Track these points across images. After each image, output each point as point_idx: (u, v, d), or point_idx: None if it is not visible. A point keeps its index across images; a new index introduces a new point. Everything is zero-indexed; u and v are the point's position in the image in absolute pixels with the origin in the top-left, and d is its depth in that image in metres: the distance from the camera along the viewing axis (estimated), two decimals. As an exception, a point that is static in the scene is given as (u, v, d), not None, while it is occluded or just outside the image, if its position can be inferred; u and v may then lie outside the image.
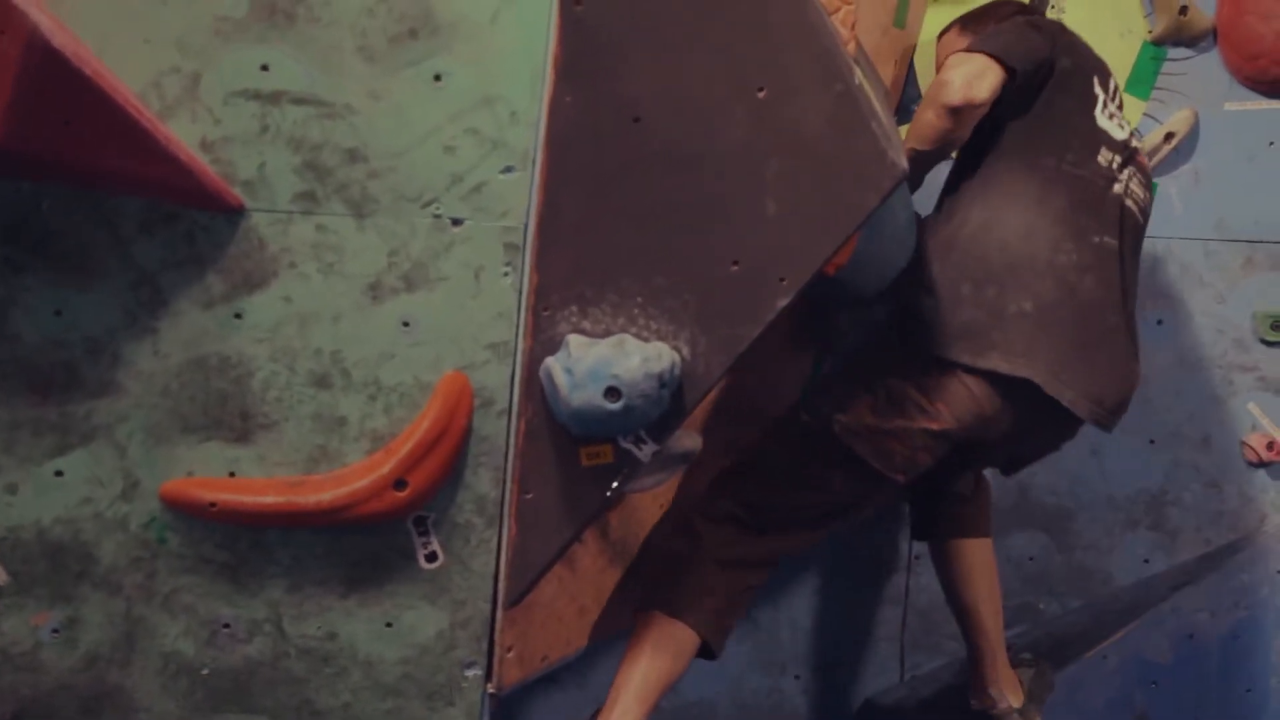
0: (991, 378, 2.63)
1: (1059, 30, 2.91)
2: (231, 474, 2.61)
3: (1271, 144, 3.50)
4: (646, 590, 2.82)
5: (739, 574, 2.79)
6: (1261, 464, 3.60)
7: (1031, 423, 2.73)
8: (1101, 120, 2.80)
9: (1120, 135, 2.84)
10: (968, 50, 2.72)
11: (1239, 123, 3.51)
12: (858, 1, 2.49)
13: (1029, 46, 2.73)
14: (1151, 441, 3.56)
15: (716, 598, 2.75)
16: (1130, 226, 2.81)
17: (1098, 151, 2.77)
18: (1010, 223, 2.71)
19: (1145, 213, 2.90)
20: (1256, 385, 3.59)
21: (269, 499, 2.57)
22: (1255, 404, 3.60)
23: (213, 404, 2.59)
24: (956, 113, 2.64)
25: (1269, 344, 3.57)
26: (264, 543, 2.62)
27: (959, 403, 2.66)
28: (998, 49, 2.69)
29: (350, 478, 2.58)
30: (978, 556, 3.17)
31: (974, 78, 2.64)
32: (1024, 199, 2.73)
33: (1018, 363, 2.62)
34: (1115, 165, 2.79)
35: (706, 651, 2.76)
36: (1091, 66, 2.86)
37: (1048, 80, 2.77)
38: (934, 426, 2.66)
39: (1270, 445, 3.56)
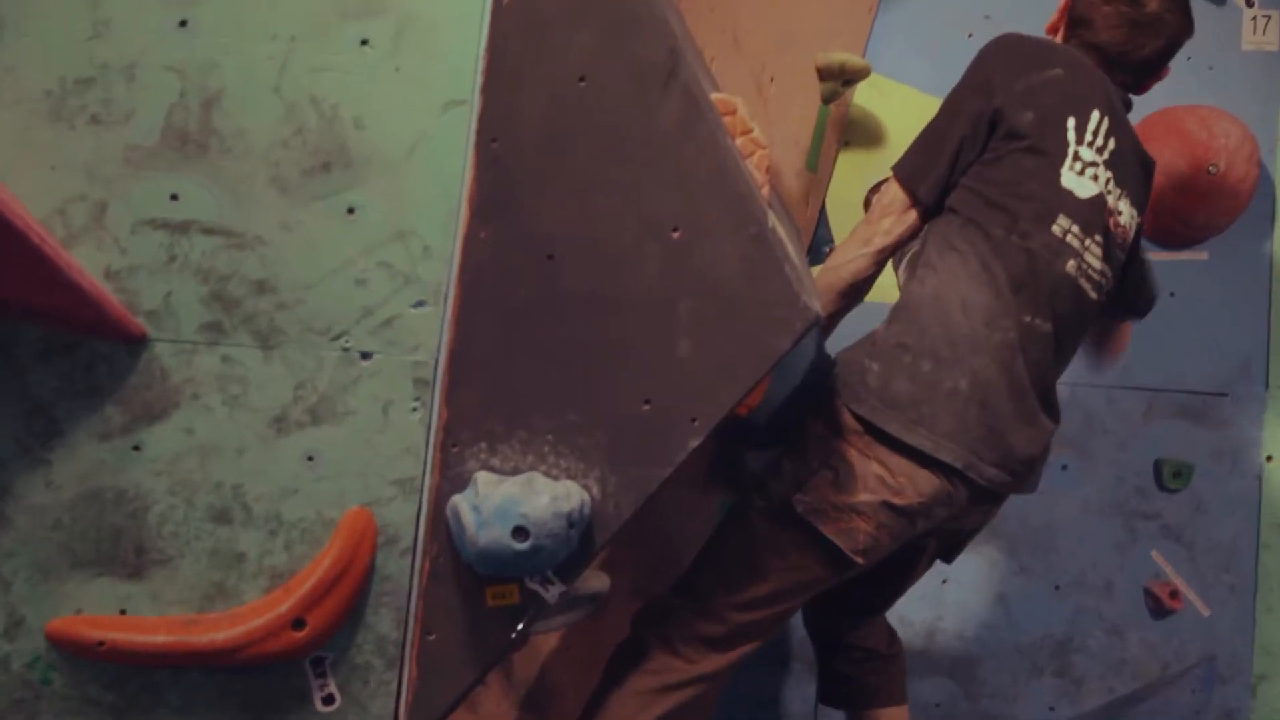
0: (919, 455, 2.55)
1: (1027, 68, 2.69)
2: (122, 612, 2.53)
3: (1172, 294, 3.58)
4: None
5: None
6: (1164, 612, 3.61)
7: (965, 500, 2.63)
8: (1068, 179, 2.62)
9: (1089, 191, 2.63)
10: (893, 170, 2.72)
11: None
12: (772, 145, 2.52)
13: (947, 142, 2.67)
14: (1056, 588, 3.57)
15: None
16: (1076, 303, 2.66)
17: (1054, 219, 2.60)
18: (955, 295, 2.60)
19: (1106, 280, 2.71)
20: (1159, 533, 3.62)
21: (161, 638, 2.49)
22: (1158, 551, 3.63)
23: (106, 539, 2.51)
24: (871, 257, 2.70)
25: (1170, 491, 3.61)
26: (154, 684, 2.53)
27: (922, 478, 2.55)
28: (905, 172, 2.69)
29: (247, 616, 2.50)
30: None
31: (878, 220, 2.71)
32: (971, 269, 2.60)
33: (942, 444, 2.54)
34: (1072, 234, 2.61)
35: None
36: (1073, 101, 2.66)
37: (997, 132, 2.65)
38: (898, 501, 2.54)
39: (1173, 593, 3.59)
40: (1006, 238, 2.59)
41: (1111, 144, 2.67)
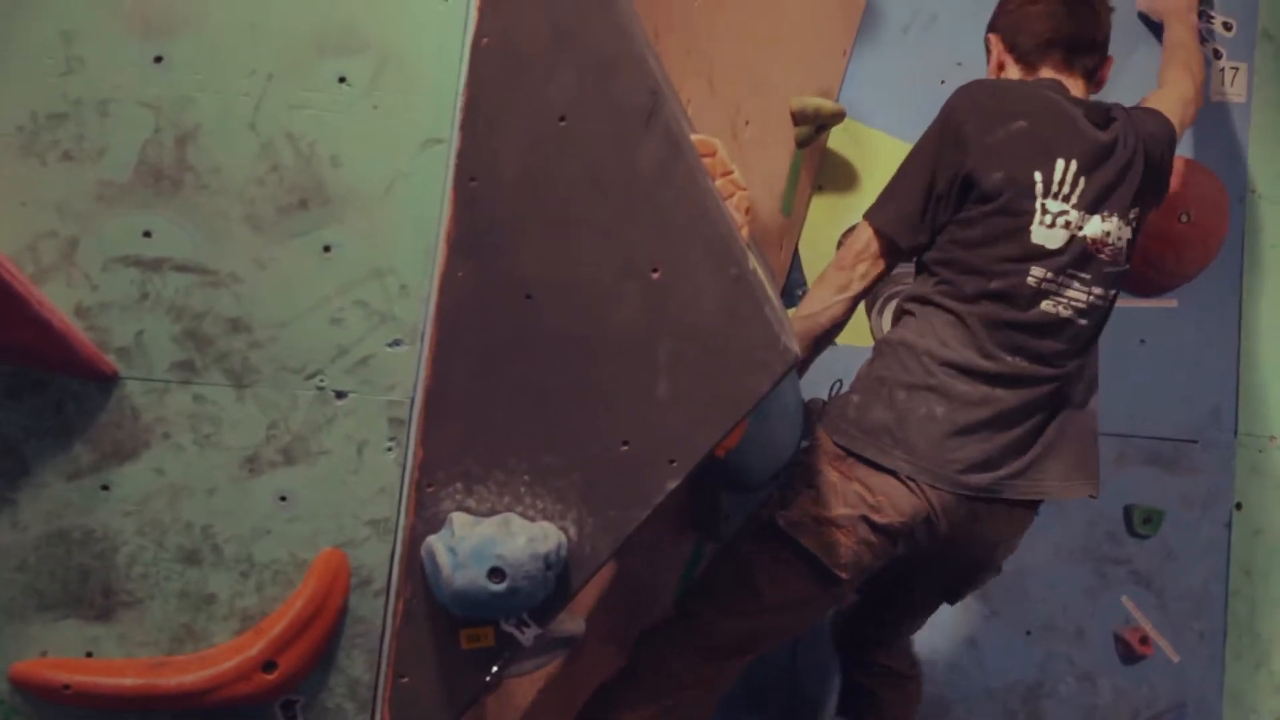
0: (896, 475, 2.63)
1: (995, 122, 2.75)
2: (89, 654, 2.49)
3: (1143, 342, 3.60)
4: None
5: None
6: (1134, 658, 3.61)
7: (953, 529, 2.70)
8: (1037, 235, 2.69)
9: (1059, 241, 2.70)
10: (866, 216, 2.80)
11: (1113, 320, 3.59)
12: (748, 188, 2.52)
13: (917, 187, 2.75)
14: (1028, 633, 3.56)
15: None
16: (1062, 336, 2.74)
17: (1027, 272, 2.69)
18: (934, 336, 2.70)
19: (1093, 308, 2.78)
20: (1129, 579, 3.62)
21: (128, 681, 2.46)
22: (1128, 597, 3.63)
23: (73, 580, 2.48)
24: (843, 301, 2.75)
25: (1141, 537, 3.62)
26: (121, 728, 2.50)
27: (900, 497, 2.63)
28: (878, 219, 2.77)
29: (217, 659, 2.48)
30: None
31: (853, 265, 2.79)
32: (948, 318, 2.71)
33: (919, 464, 2.62)
34: (1046, 280, 2.70)
35: None
36: (1039, 153, 2.72)
37: (971, 195, 2.72)
38: (877, 518, 2.62)
39: (1143, 639, 3.59)
40: (980, 294, 2.70)
41: (1082, 183, 2.73)
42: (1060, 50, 2.86)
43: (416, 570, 2.35)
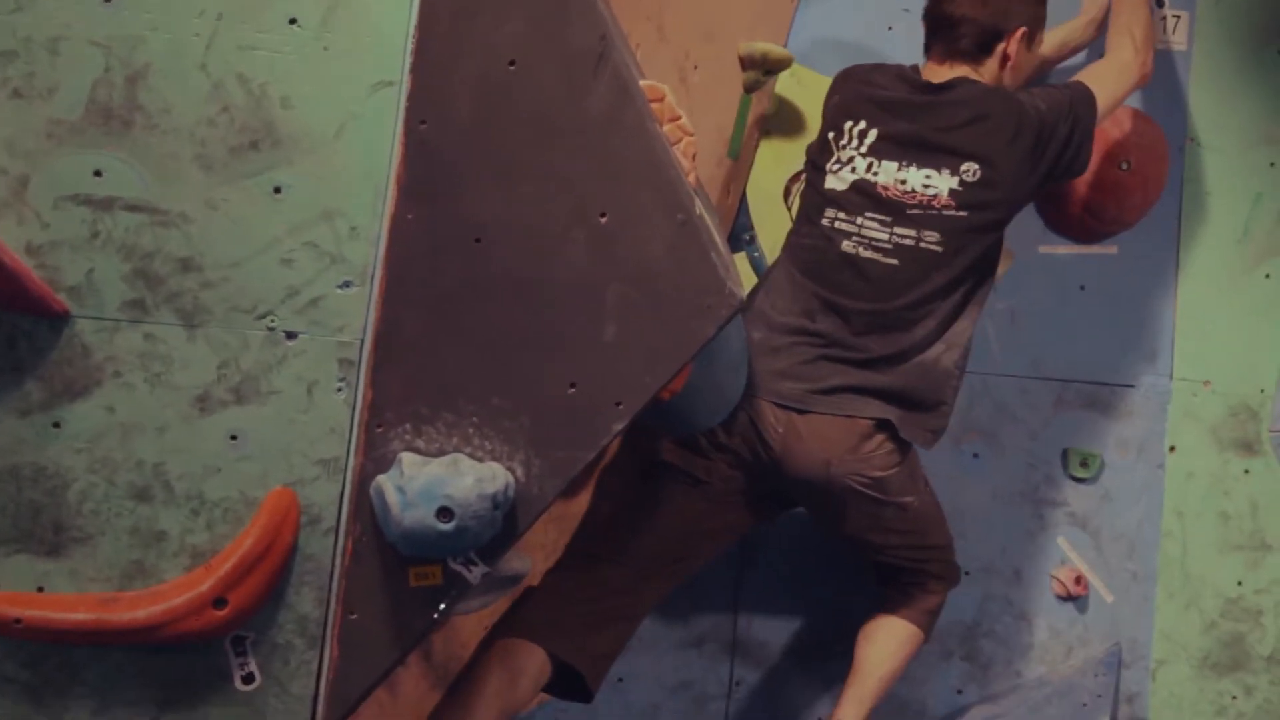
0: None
1: (828, 101, 3.28)
2: (40, 589, 2.50)
3: (1083, 288, 3.66)
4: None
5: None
6: (1069, 598, 3.69)
7: (780, 443, 3.03)
8: (829, 181, 3.14)
9: (845, 183, 3.12)
10: None
11: (1052, 266, 3.66)
12: (696, 133, 2.55)
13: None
14: (966, 573, 3.62)
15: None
16: (868, 272, 3.07)
17: (822, 214, 3.13)
18: (769, 277, 3.23)
19: (901, 249, 3.07)
20: (1066, 520, 3.69)
21: (80, 615, 2.46)
22: (1064, 539, 3.70)
23: (24, 515, 2.49)
24: None
25: (1078, 480, 3.69)
26: (72, 662, 2.51)
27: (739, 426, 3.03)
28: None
29: (167, 594, 2.49)
30: (891, 626, 3.30)
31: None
32: (779, 270, 3.21)
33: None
34: (840, 219, 3.11)
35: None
36: (838, 119, 3.19)
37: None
38: (719, 436, 3.03)
39: (1078, 580, 3.66)
40: (796, 241, 3.20)
41: (872, 136, 3.12)
42: (927, 34, 3.23)
43: (365, 509, 2.38)
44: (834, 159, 3.14)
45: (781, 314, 3.08)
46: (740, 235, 3.54)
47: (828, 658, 3.54)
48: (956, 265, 3.05)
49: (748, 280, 3.32)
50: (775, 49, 3.36)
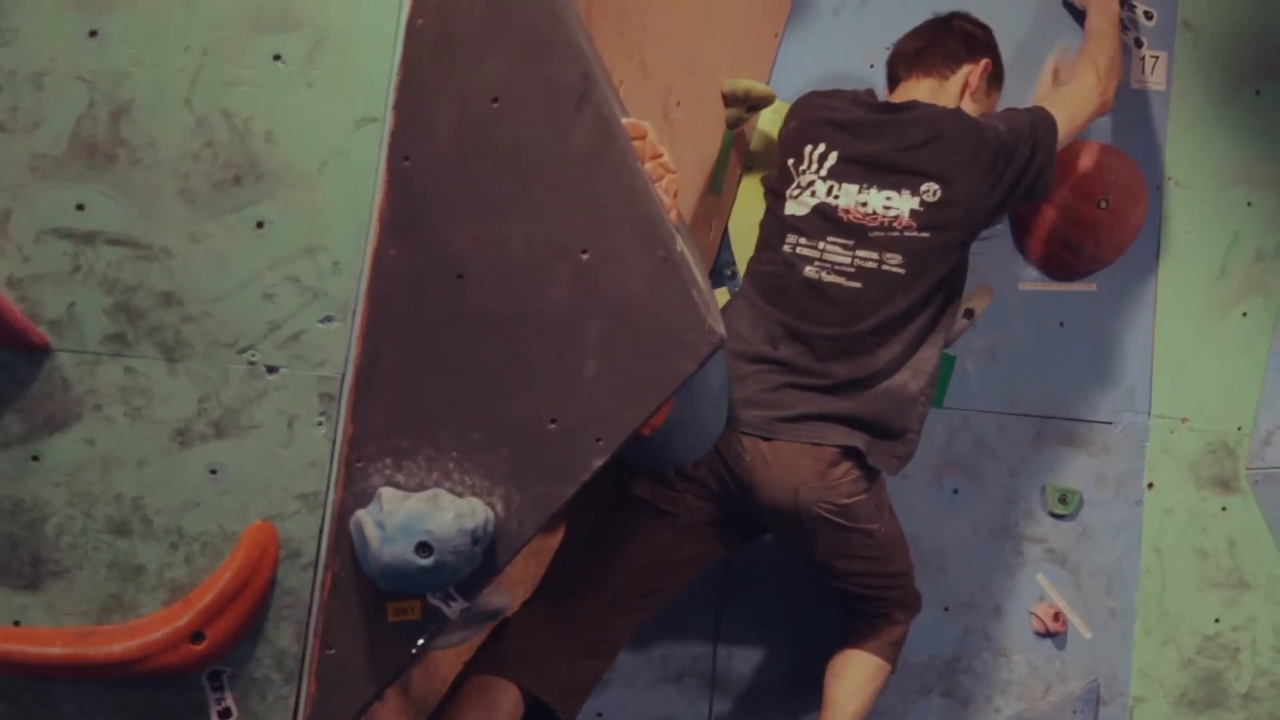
0: None
1: (785, 127, 3.36)
2: (17, 623, 2.49)
3: (1062, 324, 3.69)
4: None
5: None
6: (1048, 634, 3.70)
7: (747, 471, 3.05)
8: (789, 207, 3.19)
9: (805, 209, 3.17)
10: None
11: (1032, 303, 3.69)
12: (678, 168, 2.56)
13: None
14: (946, 609, 3.64)
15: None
16: (831, 297, 3.10)
17: (783, 241, 3.18)
18: (734, 303, 3.28)
19: (865, 272, 3.09)
20: (1044, 556, 3.71)
21: (56, 649, 2.45)
22: (1043, 575, 3.71)
23: (1, 549, 2.48)
24: None
25: (1056, 516, 3.70)
26: (49, 696, 2.50)
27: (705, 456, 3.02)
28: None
29: (145, 629, 2.48)
30: (858, 661, 3.31)
31: None
32: (747, 280, 3.30)
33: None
34: (801, 245, 3.15)
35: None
36: (796, 145, 3.25)
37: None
38: (686, 469, 3.04)
39: (1056, 616, 3.67)
40: (756, 269, 3.25)
41: (832, 158, 3.17)
42: (890, 72, 3.39)
43: (345, 544, 2.38)
44: (794, 184, 3.18)
45: (744, 342, 3.10)
46: (722, 271, 3.55)
47: (806, 691, 3.53)
48: (919, 287, 3.07)
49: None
50: (758, 86, 3.39)
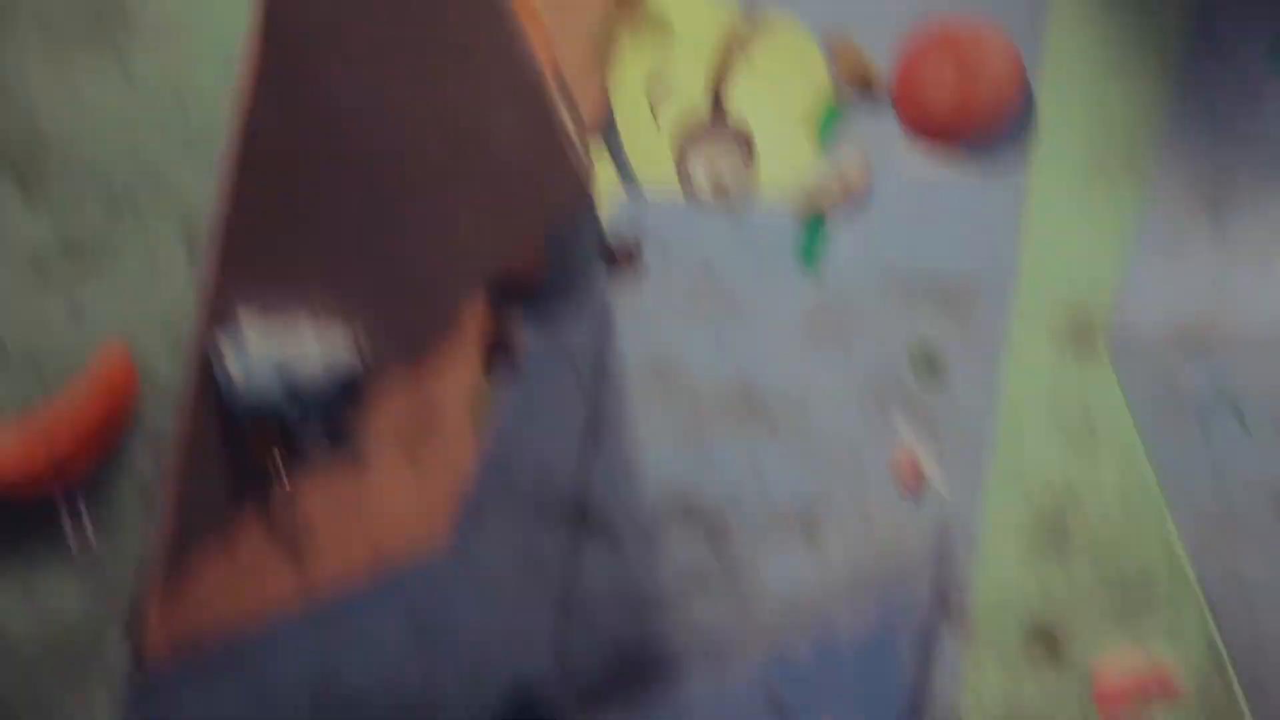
0: None
1: None
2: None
3: (934, 190, 3.73)
4: None
5: None
6: (908, 488, 3.80)
7: None
8: None
9: None
10: None
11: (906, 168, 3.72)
12: (562, 29, 2.54)
13: None
14: (807, 460, 3.72)
15: None
16: None
17: None
18: None
19: None
20: (910, 414, 3.79)
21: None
22: (907, 431, 3.80)
23: None
24: None
25: (923, 376, 3.78)
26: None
27: None
28: None
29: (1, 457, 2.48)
30: None
31: None
32: None
33: None
34: None
35: None
36: None
37: None
38: None
39: (917, 470, 3.77)
40: None
41: None
42: None
43: (207, 375, 2.39)
44: None
45: None
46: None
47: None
48: None
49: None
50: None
